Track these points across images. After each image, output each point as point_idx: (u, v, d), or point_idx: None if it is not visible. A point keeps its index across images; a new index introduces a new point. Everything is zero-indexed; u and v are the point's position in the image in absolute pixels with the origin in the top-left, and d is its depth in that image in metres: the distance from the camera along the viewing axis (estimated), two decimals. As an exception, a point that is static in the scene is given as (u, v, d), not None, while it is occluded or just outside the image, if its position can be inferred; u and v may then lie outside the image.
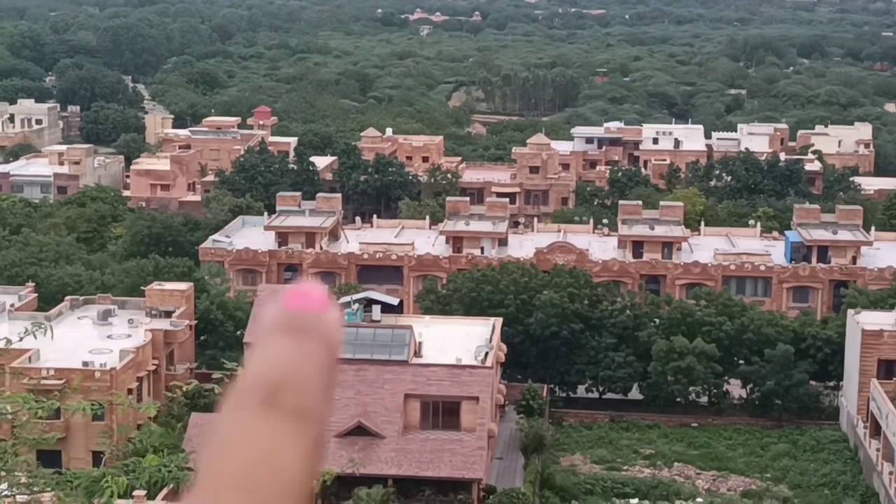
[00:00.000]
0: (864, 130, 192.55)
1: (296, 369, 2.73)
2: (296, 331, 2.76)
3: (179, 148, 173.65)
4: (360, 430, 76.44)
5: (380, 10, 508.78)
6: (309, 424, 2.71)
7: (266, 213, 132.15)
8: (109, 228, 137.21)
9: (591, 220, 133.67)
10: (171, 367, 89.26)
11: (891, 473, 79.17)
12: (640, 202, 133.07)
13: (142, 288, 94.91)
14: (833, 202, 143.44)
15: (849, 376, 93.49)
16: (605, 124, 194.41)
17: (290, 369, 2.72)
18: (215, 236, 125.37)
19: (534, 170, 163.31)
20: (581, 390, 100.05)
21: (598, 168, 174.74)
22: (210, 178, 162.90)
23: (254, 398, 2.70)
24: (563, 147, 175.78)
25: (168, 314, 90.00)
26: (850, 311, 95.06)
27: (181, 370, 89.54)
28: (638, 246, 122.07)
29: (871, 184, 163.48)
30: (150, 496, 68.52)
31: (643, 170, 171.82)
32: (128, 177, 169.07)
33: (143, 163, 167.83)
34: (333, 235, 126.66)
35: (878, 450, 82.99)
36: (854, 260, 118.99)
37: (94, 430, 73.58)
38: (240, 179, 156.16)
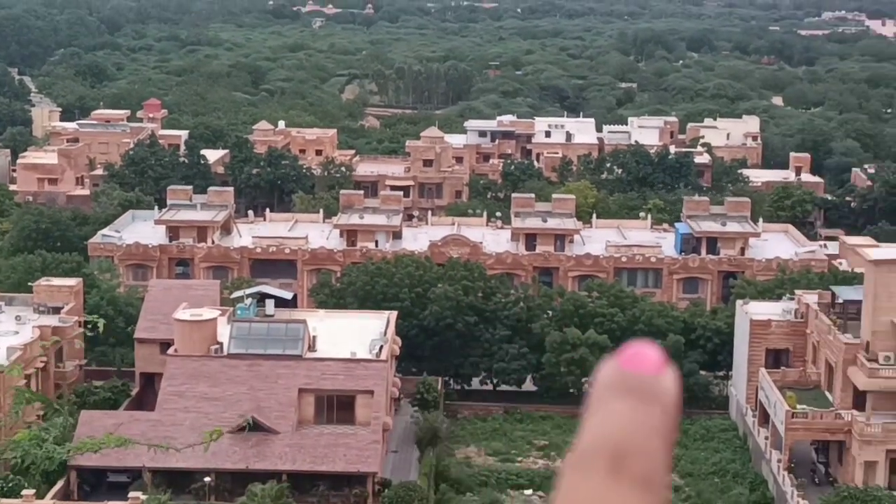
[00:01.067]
0: (751, 123, 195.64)
1: (640, 435, 2.69)
2: (636, 393, 2.74)
3: (67, 141, 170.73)
4: (253, 426, 75.81)
5: (271, 2, 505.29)
6: (654, 493, 2.67)
7: (157, 208, 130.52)
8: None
9: (485, 213, 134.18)
10: (60, 364, 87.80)
11: (779, 461, 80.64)
12: (533, 195, 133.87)
13: (29, 284, 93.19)
14: (722, 194, 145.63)
15: (738, 366, 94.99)
16: (498, 118, 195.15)
17: (634, 434, 2.69)
18: (104, 231, 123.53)
19: (427, 163, 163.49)
20: (475, 382, 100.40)
21: (491, 161, 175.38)
22: (99, 171, 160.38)
23: (599, 463, 2.66)
24: (456, 140, 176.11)
25: (56, 310, 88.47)
26: (739, 302, 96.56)
27: (70, 367, 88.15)
28: (531, 238, 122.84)
29: (758, 176, 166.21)
30: (32, 479, 67.37)
31: (536, 163, 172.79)
32: (14, 171, 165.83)
33: (30, 156, 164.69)
34: (226, 229, 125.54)
35: (766, 438, 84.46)
36: (742, 251, 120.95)
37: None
38: (129, 173, 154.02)
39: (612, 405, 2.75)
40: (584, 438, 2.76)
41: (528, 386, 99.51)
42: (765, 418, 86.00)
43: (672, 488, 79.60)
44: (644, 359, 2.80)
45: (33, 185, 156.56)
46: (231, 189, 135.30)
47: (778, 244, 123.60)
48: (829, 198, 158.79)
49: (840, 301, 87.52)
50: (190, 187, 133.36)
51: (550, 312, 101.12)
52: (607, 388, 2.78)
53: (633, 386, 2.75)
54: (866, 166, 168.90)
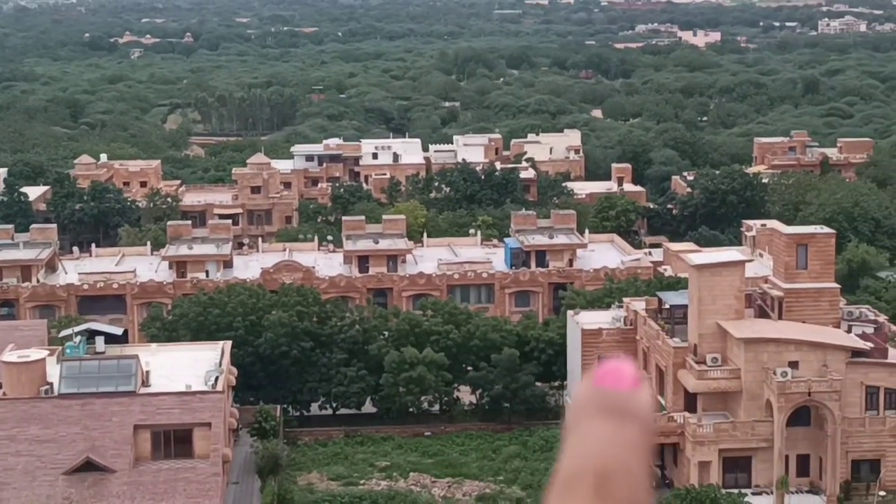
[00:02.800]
0: (573, 137, 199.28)
1: (621, 457, 2.66)
2: (614, 413, 2.71)
3: None
4: (89, 466, 74.27)
5: (87, 35, 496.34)
6: None
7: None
8: None
9: (316, 238, 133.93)
10: None
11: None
12: (363, 217, 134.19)
13: None
14: (548, 208, 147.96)
15: (572, 375, 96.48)
16: (325, 141, 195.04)
17: (616, 455, 2.66)
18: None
19: (255, 189, 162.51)
20: (315, 408, 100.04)
21: (319, 185, 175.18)
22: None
23: (584, 487, 2.62)
24: (283, 166, 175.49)
25: None
26: (570, 312, 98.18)
27: None
28: (363, 260, 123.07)
29: (582, 188, 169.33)
30: None
31: (364, 185, 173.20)
32: None
33: None
34: (50, 267, 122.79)
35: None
36: (570, 262, 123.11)
37: None
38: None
39: (591, 425, 2.72)
40: (566, 461, 2.74)
41: (368, 408, 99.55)
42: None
43: (515, 501, 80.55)
44: (620, 375, 2.80)
45: None
46: (54, 226, 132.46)
47: (604, 254, 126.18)
48: (652, 206, 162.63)
49: (667, 306, 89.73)
50: (11, 226, 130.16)
51: (387, 333, 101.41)
52: (585, 408, 2.76)
53: (611, 404, 2.73)
54: (685, 174, 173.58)
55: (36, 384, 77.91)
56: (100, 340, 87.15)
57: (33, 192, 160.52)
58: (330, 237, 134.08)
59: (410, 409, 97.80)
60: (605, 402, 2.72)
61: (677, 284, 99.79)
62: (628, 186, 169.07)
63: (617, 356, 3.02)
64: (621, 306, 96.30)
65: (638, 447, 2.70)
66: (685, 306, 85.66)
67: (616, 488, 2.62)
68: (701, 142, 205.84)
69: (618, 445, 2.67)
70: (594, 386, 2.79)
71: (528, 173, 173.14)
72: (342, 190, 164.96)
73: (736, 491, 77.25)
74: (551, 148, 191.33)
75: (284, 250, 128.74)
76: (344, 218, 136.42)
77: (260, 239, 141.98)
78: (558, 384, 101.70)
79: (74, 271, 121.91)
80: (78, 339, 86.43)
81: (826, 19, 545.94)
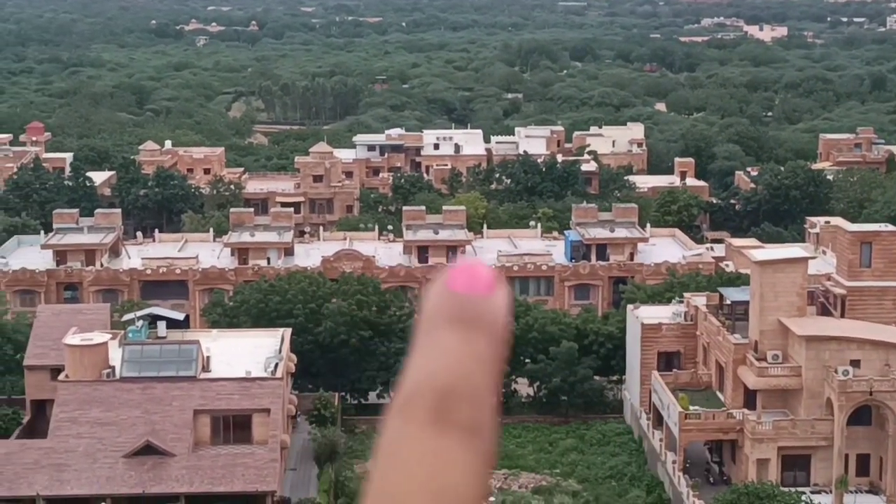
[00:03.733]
0: (636, 130, 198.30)
1: (467, 374, 2.42)
2: (464, 322, 2.43)
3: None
4: (148, 449, 75.05)
5: (154, 22, 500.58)
6: (481, 439, 2.46)
7: (43, 232, 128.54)
8: None
9: (377, 227, 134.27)
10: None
11: (674, 462, 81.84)
12: (424, 208, 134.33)
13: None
14: (609, 201, 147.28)
15: (631, 370, 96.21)
16: (387, 131, 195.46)
17: (460, 374, 2.42)
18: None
19: (317, 178, 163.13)
20: (372, 396, 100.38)
21: (381, 175, 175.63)
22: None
23: (422, 410, 2.43)
24: (345, 155, 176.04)
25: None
26: (630, 307, 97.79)
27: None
28: (423, 250, 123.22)
29: (644, 182, 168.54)
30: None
31: (425, 175, 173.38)
32: None
33: None
34: (114, 252, 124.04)
35: (661, 440, 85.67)
36: (631, 256, 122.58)
37: None
38: (14, 198, 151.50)
39: (438, 336, 2.45)
40: (408, 378, 2.53)
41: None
42: (659, 420, 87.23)
43: (571, 494, 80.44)
44: (473, 278, 2.48)
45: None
46: (118, 211, 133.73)
47: (665, 248, 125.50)
48: (714, 201, 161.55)
49: (728, 302, 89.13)
50: (76, 210, 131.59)
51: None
52: (435, 315, 2.47)
53: (459, 311, 2.44)
54: (749, 169, 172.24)
55: (98, 367, 78.78)
56: (161, 325, 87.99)
57: (99, 177, 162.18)
58: (390, 227, 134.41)
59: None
60: (454, 308, 2.42)
61: (738, 280, 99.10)
62: (691, 181, 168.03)
63: (471, 258, 2.77)
64: (682, 301, 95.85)
65: (487, 362, 2.41)
66: (746, 302, 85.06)
67: (457, 409, 2.37)
68: (765, 137, 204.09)
69: (464, 360, 2.40)
70: (443, 290, 2.46)
71: (589, 166, 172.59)
72: (403, 180, 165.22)
73: (794, 489, 76.66)
74: (614, 141, 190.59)
75: (345, 239, 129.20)
76: (404, 208, 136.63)
77: (321, 227, 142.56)
78: (617, 378, 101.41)
79: (138, 256, 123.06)
80: (140, 323, 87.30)
81: (895, 15, 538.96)
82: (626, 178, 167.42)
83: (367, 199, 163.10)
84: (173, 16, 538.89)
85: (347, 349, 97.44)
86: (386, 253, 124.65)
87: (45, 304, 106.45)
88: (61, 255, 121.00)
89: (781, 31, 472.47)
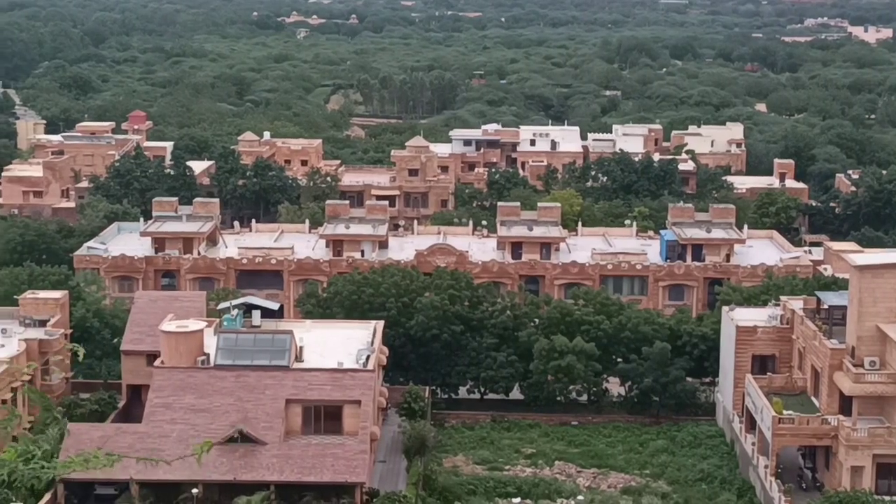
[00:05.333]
0: (735, 130, 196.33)
1: None
2: None
3: (52, 154, 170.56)
4: (240, 437, 75.77)
5: (255, 13, 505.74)
6: None
7: (142, 219, 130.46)
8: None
9: (471, 222, 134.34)
10: (47, 377, 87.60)
11: (766, 467, 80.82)
12: (519, 203, 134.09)
13: (15, 297, 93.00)
14: (706, 201, 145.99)
15: (724, 372, 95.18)
16: (483, 126, 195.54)
17: None
18: (90, 243, 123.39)
19: (413, 172, 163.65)
20: (463, 391, 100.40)
21: (476, 170, 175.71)
22: (84, 184, 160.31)
23: None
24: (441, 149, 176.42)
25: (42, 323, 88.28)
26: (725, 308, 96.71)
27: (56, 380, 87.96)
28: (517, 247, 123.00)
29: (742, 182, 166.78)
30: (18, 492, 67.20)
31: (521, 171, 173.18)
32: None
33: (15, 169, 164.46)
34: (211, 241, 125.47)
35: (753, 444, 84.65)
36: (727, 258, 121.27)
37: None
38: (115, 185, 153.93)
39: None
40: None
41: (516, 394, 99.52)
42: (752, 424, 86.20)
43: (660, 495, 79.81)
44: None
45: (18, 197, 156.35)
46: (217, 200, 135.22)
47: (763, 250, 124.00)
48: (814, 204, 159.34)
49: (825, 306, 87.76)
50: (175, 199, 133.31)
51: (537, 320, 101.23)
52: None
53: None
54: (850, 172, 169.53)
55: (193, 354, 79.71)
56: (256, 314, 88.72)
57: (198, 166, 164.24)
58: (484, 222, 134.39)
59: (558, 398, 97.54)
60: None
61: (836, 285, 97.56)
62: (790, 182, 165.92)
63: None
64: (778, 304, 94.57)
65: None
66: (844, 307, 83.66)
67: None
68: (867, 140, 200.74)
69: None
70: None
71: (687, 165, 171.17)
72: (498, 175, 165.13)
73: (889, 498, 75.32)
74: (713, 141, 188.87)
75: (439, 233, 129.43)
76: (499, 203, 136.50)
77: (415, 221, 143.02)
78: (709, 380, 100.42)
79: (234, 245, 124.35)
80: (235, 312, 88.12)
81: None
82: (723, 178, 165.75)
83: (461, 193, 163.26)
84: (275, 8, 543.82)
85: (439, 343, 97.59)
86: (479, 248, 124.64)
87: (142, 291, 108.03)
88: (160, 242, 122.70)
89: (886, 32, 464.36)
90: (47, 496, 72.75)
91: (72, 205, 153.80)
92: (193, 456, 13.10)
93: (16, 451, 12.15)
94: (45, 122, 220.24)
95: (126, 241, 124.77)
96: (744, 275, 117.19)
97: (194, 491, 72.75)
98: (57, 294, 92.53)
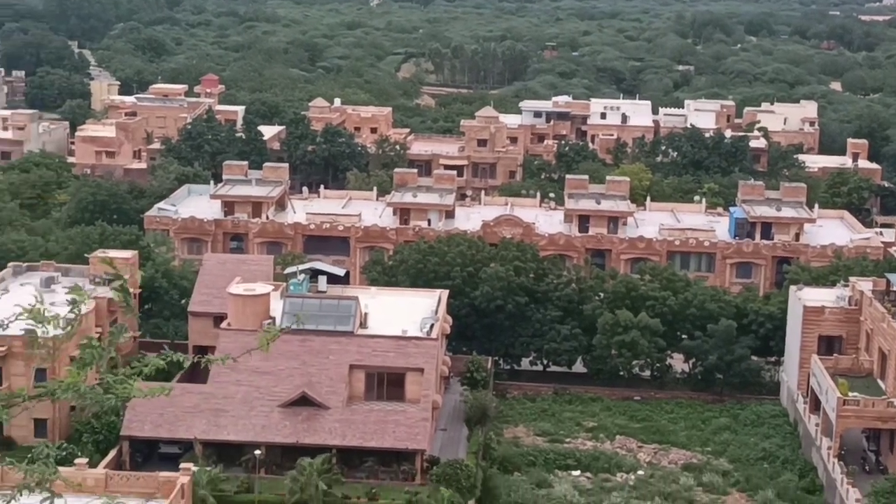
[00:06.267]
0: (809, 108, 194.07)
1: None
2: None
3: (125, 115, 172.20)
4: (304, 401, 76.44)
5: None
6: None
7: (212, 182, 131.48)
8: (54, 195, 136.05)
9: (538, 194, 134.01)
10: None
11: (829, 448, 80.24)
12: (587, 177, 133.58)
13: (86, 255, 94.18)
14: (777, 179, 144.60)
15: (790, 352, 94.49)
16: (554, 98, 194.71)
17: None
18: (161, 205, 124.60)
19: (482, 143, 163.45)
20: (525, 363, 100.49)
21: (545, 142, 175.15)
22: (156, 145, 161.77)
23: None
24: (511, 120, 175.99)
25: (111, 282, 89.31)
26: (793, 288, 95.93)
27: (124, 339, 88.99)
28: (584, 220, 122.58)
29: (815, 161, 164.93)
30: (85, 448, 68.34)
31: (590, 144, 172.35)
32: (73, 143, 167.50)
33: (89, 129, 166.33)
34: (280, 205, 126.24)
35: (817, 425, 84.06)
36: (797, 237, 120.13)
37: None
38: (186, 148, 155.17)
39: None
40: None
41: (579, 367, 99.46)
42: (816, 405, 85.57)
43: (721, 473, 79.48)
44: None
45: (91, 157, 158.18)
46: (286, 165, 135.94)
47: (833, 230, 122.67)
48: (886, 185, 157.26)
49: (895, 289, 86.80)
50: (246, 163, 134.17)
51: (602, 294, 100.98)
52: None
53: None
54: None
55: (259, 317, 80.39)
56: (322, 280, 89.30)
57: (269, 131, 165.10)
58: (552, 194, 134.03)
59: (621, 373, 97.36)
60: None
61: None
62: (863, 163, 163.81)
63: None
64: (847, 285, 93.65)
65: None
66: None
67: None
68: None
69: None
70: None
71: (759, 143, 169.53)
72: (568, 148, 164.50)
73: (953, 485, 74.50)
74: (786, 118, 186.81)
75: (506, 204, 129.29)
76: (567, 176, 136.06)
77: (483, 192, 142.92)
78: (774, 360, 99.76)
79: (302, 211, 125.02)
80: (302, 276, 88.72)
81: None
82: (795, 156, 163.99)
83: (530, 165, 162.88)
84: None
85: (503, 314, 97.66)
86: (546, 220, 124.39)
87: (211, 253, 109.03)
88: (229, 205, 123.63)
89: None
90: (112, 453, 73.85)
91: (143, 166, 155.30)
92: (259, 349, 13.12)
93: (79, 373, 12.19)
94: (119, 83, 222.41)
95: (196, 204, 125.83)
96: (813, 254, 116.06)
97: (257, 452, 73.53)
98: (127, 254, 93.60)
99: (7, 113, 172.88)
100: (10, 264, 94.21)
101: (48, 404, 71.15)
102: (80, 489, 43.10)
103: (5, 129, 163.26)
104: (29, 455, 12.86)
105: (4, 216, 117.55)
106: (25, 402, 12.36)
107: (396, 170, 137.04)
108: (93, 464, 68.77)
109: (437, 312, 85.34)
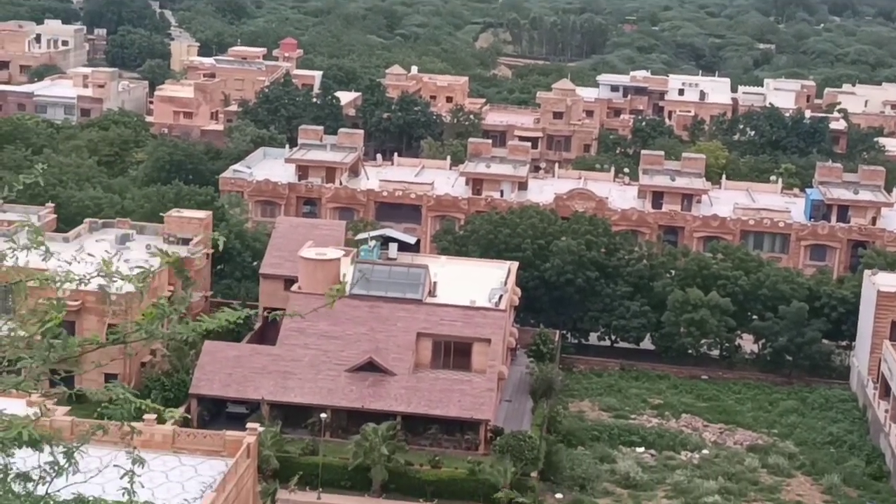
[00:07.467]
0: (891, 91, 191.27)
1: None
2: None
3: (204, 76, 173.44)
4: (371, 367, 76.85)
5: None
6: None
7: (287, 146, 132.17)
8: (131, 153, 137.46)
9: (613, 169, 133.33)
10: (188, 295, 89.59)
11: (898, 435, 79.36)
12: (663, 153, 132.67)
13: (161, 214, 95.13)
14: (856, 162, 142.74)
15: (862, 337, 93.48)
16: (632, 73, 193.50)
17: None
18: (236, 166, 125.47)
19: (557, 115, 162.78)
20: (593, 338, 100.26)
21: (622, 117, 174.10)
22: (233, 107, 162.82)
23: None
24: (588, 94, 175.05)
25: (186, 241, 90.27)
26: (867, 272, 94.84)
27: (196, 298, 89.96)
28: (658, 196, 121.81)
29: (895, 145, 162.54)
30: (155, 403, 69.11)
31: (667, 120, 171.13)
32: (151, 103, 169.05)
33: (167, 89, 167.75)
34: (353, 171, 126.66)
35: (886, 411, 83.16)
36: (874, 221, 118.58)
37: (108, 353, 74.04)
38: (263, 111, 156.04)
39: None
40: None
41: (647, 344, 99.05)
42: (886, 391, 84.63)
43: (787, 455, 78.85)
44: None
45: (169, 117, 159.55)
46: (361, 132, 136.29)
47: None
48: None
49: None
50: (321, 128, 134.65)
51: (673, 272, 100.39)
52: None
53: None
54: None
55: (329, 282, 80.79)
56: (393, 247, 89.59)
57: (345, 97, 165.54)
58: (627, 169, 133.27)
59: (689, 351, 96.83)
60: None
61: None
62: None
63: None
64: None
65: None
66: None
67: None
68: None
69: None
70: None
71: (838, 124, 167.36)
72: (644, 123, 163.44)
73: None
74: (867, 101, 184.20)
75: (580, 178, 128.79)
76: (643, 152, 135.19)
77: (556, 164, 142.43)
78: (846, 344, 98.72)
79: (376, 178, 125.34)
80: (373, 243, 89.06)
81: None
82: (875, 139, 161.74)
83: (605, 139, 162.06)
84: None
85: (573, 288, 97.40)
86: (620, 195, 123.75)
87: (284, 217, 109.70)
88: (303, 170, 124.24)
89: None
90: (181, 410, 74.73)
91: (220, 127, 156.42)
92: (326, 306, 13.25)
93: (153, 313, 12.38)
94: (198, 44, 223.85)
95: (271, 167, 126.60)
96: (889, 239, 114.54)
97: (323, 416, 74.07)
98: (201, 214, 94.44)
99: (88, 70, 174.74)
100: (87, 220, 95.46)
101: (120, 360, 72.01)
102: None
103: (86, 86, 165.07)
104: (98, 409, 13.05)
105: (82, 172, 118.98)
106: (99, 347, 12.59)
107: (471, 140, 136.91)
108: (161, 420, 69.54)
109: (506, 284, 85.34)
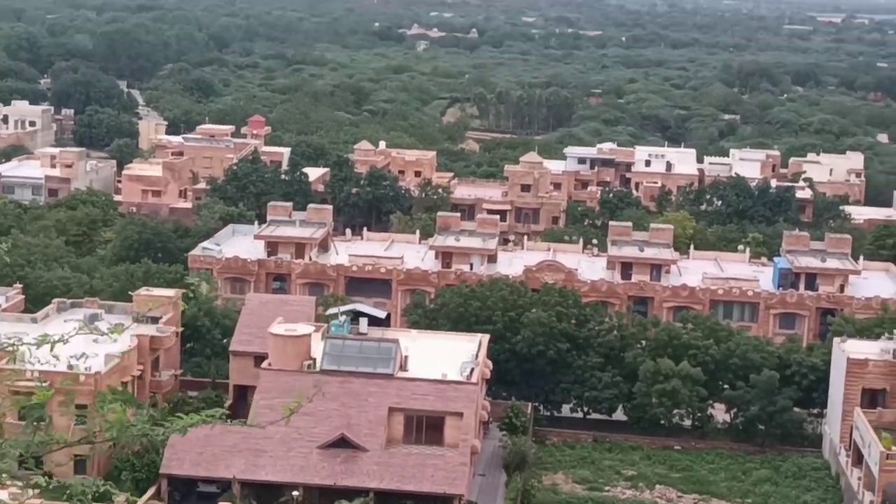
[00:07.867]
0: (855, 160, 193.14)
1: None
2: None
3: (172, 154, 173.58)
4: (343, 443, 76.39)
5: (377, 24, 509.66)
6: None
7: (256, 223, 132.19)
8: (99, 233, 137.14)
9: (581, 240, 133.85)
10: (157, 373, 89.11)
11: (871, 503, 79.30)
12: (631, 224, 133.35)
13: (130, 293, 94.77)
14: (822, 230, 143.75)
15: (833, 404, 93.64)
16: (598, 145, 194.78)
17: None
18: (205, 244, 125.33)
19: (525, 188, 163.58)
20: (566, 409, 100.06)
21: (589, 188, 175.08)
22: (202, 185, 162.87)
23: None
24: (555, 166, 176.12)
25: (155, 320, 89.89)
26: (837, 340, 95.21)
27: (166, 376, 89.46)
28: (627, 267, 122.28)
29: (860, 213, 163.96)
30: (123, 485, 68.37)
31: (634, 192, 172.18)
32: (119, 182, 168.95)
33: (136, 168, 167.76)
34: (323, 247, 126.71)
35: (859, 479, 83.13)
36: (842, 288, 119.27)
37: (76, 434, 73.37)
38: (231, 188, 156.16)
39: None
40: None
41: (619, 415, 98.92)
42: (858, 458, 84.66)
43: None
44: None
45: (137, 196, 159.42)
46: (330, 207, 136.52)
47: (878, 283, 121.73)
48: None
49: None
50: (290, 204, 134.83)
51: (644, 342, 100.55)
52: None
53: None
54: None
55: (300, 358, 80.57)
56: (363, 322, 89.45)
57: (314, 172, 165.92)
58: (595, 241, 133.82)
59: (662, 422, 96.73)
60: None
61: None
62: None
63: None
64: (891, 338, 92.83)
65: None
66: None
67: None
68: None
69: None
70: None
71: (804, 193, 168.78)
72: (611, 195, 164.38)
73: None
74: (831, 169, 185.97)
75: (549, 250, 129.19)
76: (611, 223, 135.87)
77: (525, 237, 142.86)
78: (817, 412, 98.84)
79: (345, 252, 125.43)
80: (343, 318, 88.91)
81: None
82: (841, 207, 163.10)
83: (574, 211, 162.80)
84: (396, 20, 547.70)
85: (544, 360, 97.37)
86: (589, 267, 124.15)
87: (253, 293, 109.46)
88: (273, 246, 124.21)
89: None
90: (151, 490, 74.00)
91: (189, 205, 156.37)
92: (283, 420, 13.30)
93: (124, 409, 12.36)
94: (166, 122, 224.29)
95: (240, 243, 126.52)
96: (857, 306, 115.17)
97: (295, 493, 73.48)
98: (170, 292, 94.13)
99: (55, 151, 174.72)
100: (55, 300, 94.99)
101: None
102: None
103: (53, 166, 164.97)
104: (66, 492, 12.94)
105: (50, 253, 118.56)
106: (66, 446, 12.54)
107: (440, 213, 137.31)
108: (131, 501, 68.77)
109: (477, 357, 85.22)
